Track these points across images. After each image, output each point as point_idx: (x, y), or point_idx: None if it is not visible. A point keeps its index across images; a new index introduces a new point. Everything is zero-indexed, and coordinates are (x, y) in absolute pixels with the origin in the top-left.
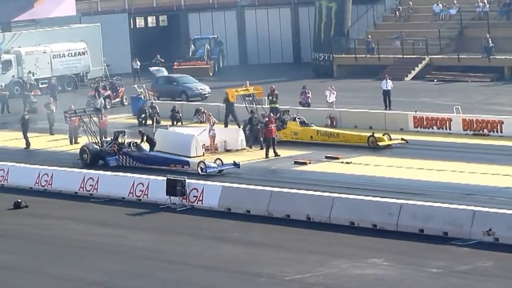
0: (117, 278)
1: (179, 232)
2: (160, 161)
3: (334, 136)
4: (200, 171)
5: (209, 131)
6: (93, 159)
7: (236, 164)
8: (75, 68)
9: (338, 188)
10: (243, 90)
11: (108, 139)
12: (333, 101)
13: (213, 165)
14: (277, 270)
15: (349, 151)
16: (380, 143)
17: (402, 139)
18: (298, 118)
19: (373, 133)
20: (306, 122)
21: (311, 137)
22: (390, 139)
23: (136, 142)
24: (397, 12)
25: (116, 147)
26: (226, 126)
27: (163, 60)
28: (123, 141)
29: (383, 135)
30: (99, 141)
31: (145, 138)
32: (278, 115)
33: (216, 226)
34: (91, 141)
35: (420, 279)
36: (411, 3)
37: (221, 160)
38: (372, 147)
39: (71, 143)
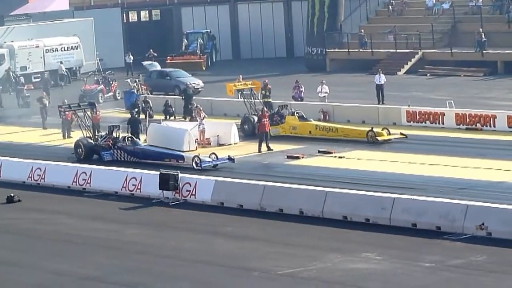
0: (111, 272)
1: (172, 227)
2: (154, 155)
3: (333, 131)
4: (194, 166)
5: (199, 125)
6: (88, 153)
7: (230, 159)
8: (68, 62)
9: (330, 183)
10: (241, 85)
11: (103, 133)
12: (325, 96)
13: (207, 159)
14: (270, 264)
15: (342, 146)
16: (379, 138)
17: (401, 133)
18: (296, 113)
19: (372, 127)
20: (305, 116)
21: (310, 132)
22: (389, 134)
23: (130, 137)
24: (390, 7)
25: (111, 142)
26: (188, 115)
27: (155, 55)
28: (117, 136)
29: (382, 129)
30: (93, 136)
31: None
32: (276, 109)
33: (209, 220)
34: (86, 136)
35: (413, 273)
36: None
37: (215, 155)
38: (371, 141)
39: (64, 137)
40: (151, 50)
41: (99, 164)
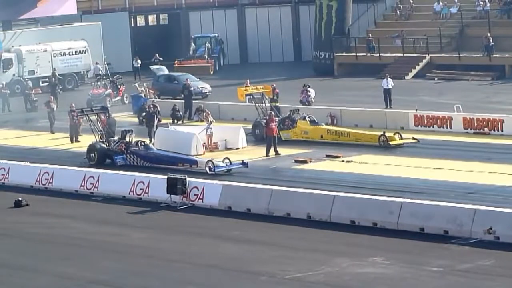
0: (117, 276)
1: (180, 231)
2: (168, 160)
3: (345, 135)
4: (208, 171)
5: (207, 129)
6: (101, 158)
7: (244, 164)
8: (76, 66)
9: (338, 187)
10: (252, 89)
11: (115, 138)
12: (311, 99)
13: (221, 164)
14: (278, 268)
15: (350, 150)
16: (392, 143)
17: (414, 138)
18: (308, 117)
19: (384, 132)
20: (316, 121)
21: (321, 136)
22: (401, 138)
23: (143, 141)
24: (398, 11)
25: (124, 146)
26: (189, 118)
27: (161, 59)
28: (130, 140)
29: (394, 134)
30: (103, 140)
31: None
32: (288, 114)
33: (216, 224)
34: (98, 140)
35: (421, 277)
36: (411, 2)
37: (229, 160)
38: (383, 146)
39: (71, 141)
40: (157, 54)
41: (107, 168)
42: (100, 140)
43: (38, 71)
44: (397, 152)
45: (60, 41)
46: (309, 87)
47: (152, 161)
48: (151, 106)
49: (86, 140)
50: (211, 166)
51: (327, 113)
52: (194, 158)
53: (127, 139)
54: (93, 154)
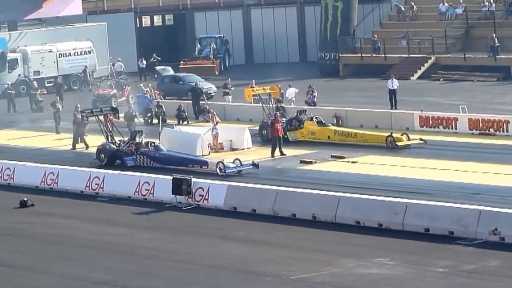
0: (123, 277)
1: (185, 231)
2: (178, 161)
3: (352, 136)
4: (218, 172)
5: (212, 130)
6: (110, 159)
7: (255, 165)
8: (81, 67)
9: (343, 187)
10: (259, 90)
11: (125, 138)
12: (292, 98)
13: (231, 165)
14: (283, 269)
15: (355, 151)
16: (399, 143)
17: (421, 139)
18: (315, 118)
19: (392, 133)
20: (324, 122)
21: (329, 137)
22: (409, 139)
23: (153, 142)
24: (403, 12)
25: (134, 147)
26: (196, 115)
27: (159, 59)
28: (140, 141)
29: (402, 135)
30: (107, 140)
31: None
32: (295, 114)
33: (221, 225)
34: (108, 141)
35: (426, 278)
36: (414, 3)
37: (239, 161)
38: (391, 147)
39: (77, 141)
40: (154, 54)
41: (112, 168)
42: (109, 141)
43: (44, 71)
44: (402, 153)
45: (65, 41)
46: (290, 87)
47: (162, 162)
48: (131, 107)
49: (91, 141)
50: (222, 167)
51: (332, 113)
52: (205, 159)
53: (137, 140)
54: (102, 155)
